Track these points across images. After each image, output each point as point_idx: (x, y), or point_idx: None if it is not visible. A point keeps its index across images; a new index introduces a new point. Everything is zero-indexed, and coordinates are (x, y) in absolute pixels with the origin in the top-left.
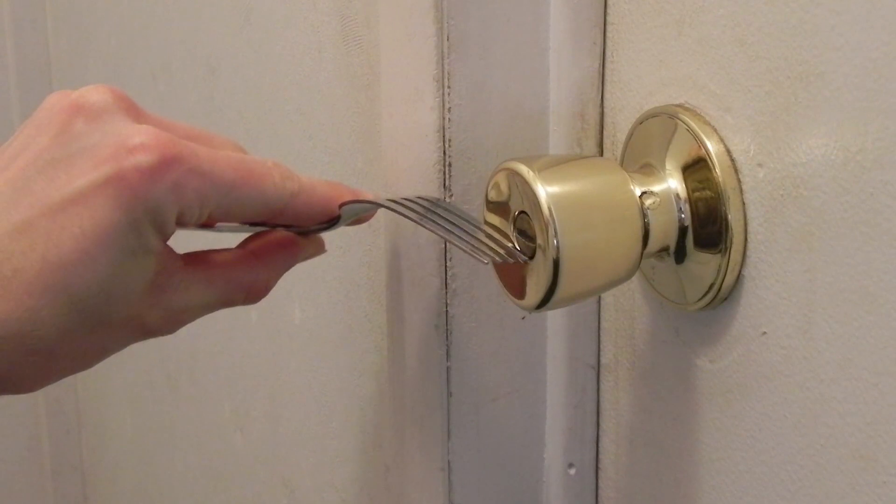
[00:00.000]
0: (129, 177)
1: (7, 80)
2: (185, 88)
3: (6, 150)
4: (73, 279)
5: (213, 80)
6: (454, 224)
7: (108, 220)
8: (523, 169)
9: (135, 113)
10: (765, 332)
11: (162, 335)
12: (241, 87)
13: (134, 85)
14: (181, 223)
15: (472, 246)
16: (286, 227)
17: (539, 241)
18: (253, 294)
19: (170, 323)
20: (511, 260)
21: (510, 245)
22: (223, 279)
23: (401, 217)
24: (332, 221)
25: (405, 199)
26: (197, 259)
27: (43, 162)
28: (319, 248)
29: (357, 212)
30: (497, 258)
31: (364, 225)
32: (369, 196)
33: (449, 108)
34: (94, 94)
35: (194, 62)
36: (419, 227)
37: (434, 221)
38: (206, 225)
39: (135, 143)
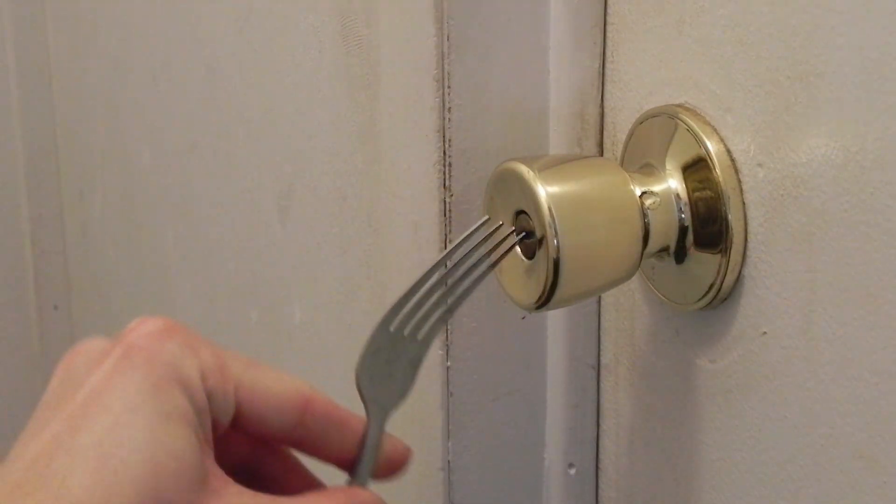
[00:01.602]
0: (140, 343)
1: (7, 80)
2: (185, 88)
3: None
4: (113, 451)
5: (213, 80)
6: (463, 277)
7: (132, 386)
8: (523, 169)
9: None
10: (765, 332)
11: None
12: (241, 87)
13: (134, 85)
14: (215, 417)
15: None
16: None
17: (539, 241)
18: None
19: None
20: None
21: (505, 246)
22: None
23: (399, 217)
24: (361, 445)
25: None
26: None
27: (53, 399)
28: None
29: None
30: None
31: (364, 224)
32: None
33: (449, 108)
34: (87, 341)
35: (194, 62)
36: (419, 228)
37: (454, 295)
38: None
39: (135, 323)
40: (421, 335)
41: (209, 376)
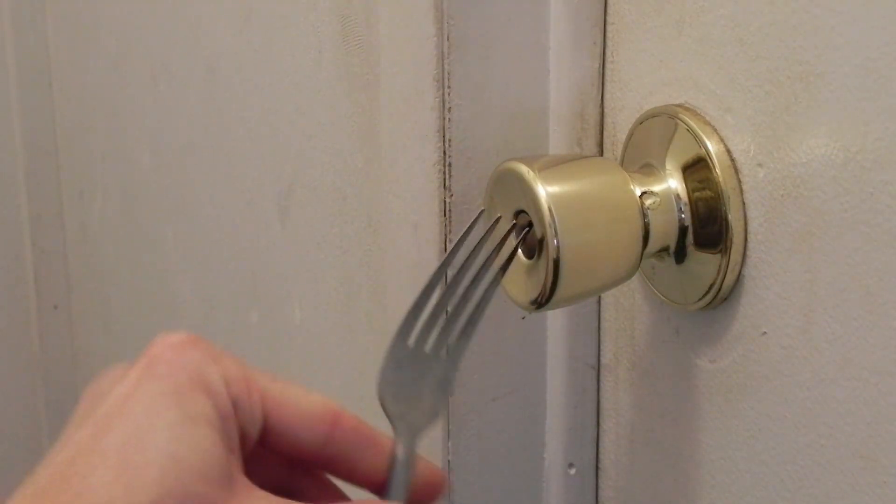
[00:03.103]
0: (162, 354)
1: (7, 80)
2: (185, 88)
3: None
4: (135, 450)
5: (213, 81)
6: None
7: (155, 392)
8: (523, 169)
9: None
10: (765, 332)
11: None
12: (241, 87)
13: (134, 85)
14: (242, 427)
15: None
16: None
17: (539, 241)
18: None
19: None
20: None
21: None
22: None
23: (399, 217)
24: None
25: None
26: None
27: (79, 416)
28: None
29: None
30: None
31: (364, 224)
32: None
33: (449, 108)
34: (113, 366)
35: (194, 62)
36: (419, 228)
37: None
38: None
39: (157, 338)
40: (445, 353)
41: (233, 383)
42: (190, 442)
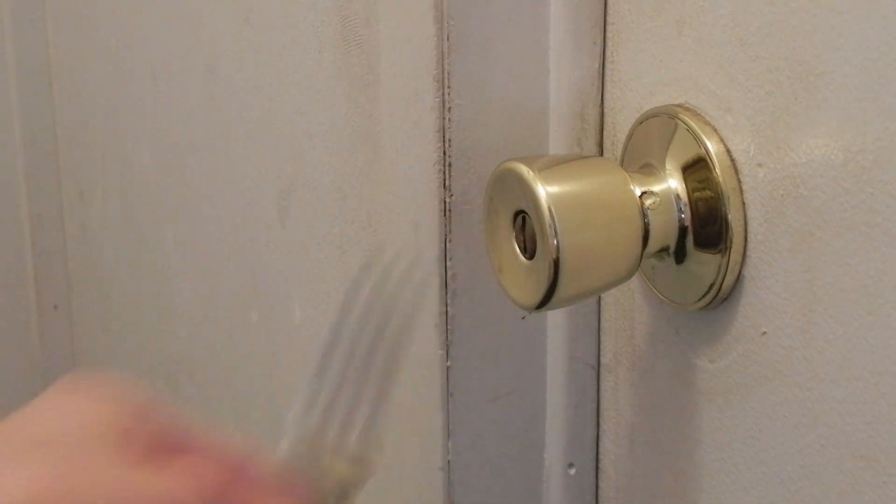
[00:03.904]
0: None
1: (7, 80)
2: (185, 88)
3: None
4: None
5: (213, 80)
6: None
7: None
8: (523, 169)
9: None
10: (765, 332)
11: None
12: (241, 87)
13: (134, 84)
14: None
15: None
16: None
17: (539, 240)
18: None
19: None
20: None
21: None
22: None
23: (399, 217)
24: None
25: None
26: None
27: None
28: None
29: None
30: None
31: (364, 224)
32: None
33: (449, 108)
34: None
35: (194, 62)
36: (419, 228)
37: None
38: None
39: None
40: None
41: None
42: None
